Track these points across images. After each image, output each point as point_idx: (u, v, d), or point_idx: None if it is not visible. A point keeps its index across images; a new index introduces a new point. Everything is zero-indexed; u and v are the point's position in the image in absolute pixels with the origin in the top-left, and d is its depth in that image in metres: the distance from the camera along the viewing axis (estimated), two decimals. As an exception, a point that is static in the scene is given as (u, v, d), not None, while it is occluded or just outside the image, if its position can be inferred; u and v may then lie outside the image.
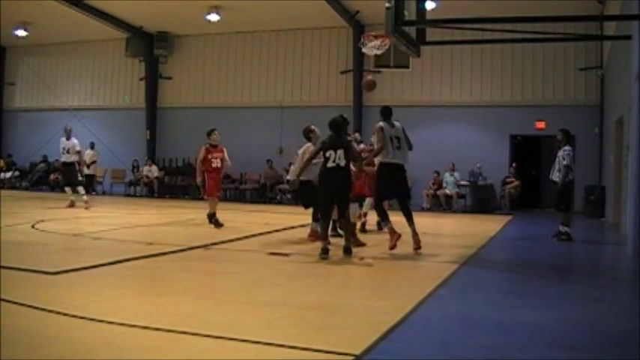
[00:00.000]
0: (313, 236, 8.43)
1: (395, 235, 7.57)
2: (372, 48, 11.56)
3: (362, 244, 8.06)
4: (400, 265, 7.17)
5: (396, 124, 7.91)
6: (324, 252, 6.92)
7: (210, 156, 9.88)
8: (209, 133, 10.07)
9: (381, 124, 7.73)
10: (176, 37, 21.07)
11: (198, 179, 10.07)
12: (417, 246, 7.67)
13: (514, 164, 17.34)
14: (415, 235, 7.73)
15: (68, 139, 13.33)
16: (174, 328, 3.80)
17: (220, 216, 10.04)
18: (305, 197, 8.66)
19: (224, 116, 18.69)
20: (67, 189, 13.68)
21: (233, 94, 20.55)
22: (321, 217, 7.45)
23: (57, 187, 20.96)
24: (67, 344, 3.52)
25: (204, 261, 7.08)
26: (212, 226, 9.82)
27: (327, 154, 7.07)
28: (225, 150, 10.17)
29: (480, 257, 7.75)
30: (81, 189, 13.34)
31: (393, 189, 7.95)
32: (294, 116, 18.87)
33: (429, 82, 18.53)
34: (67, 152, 13.26)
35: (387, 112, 7.92)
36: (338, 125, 7.29)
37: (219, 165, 9.96)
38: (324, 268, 6.48)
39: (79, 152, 13.45)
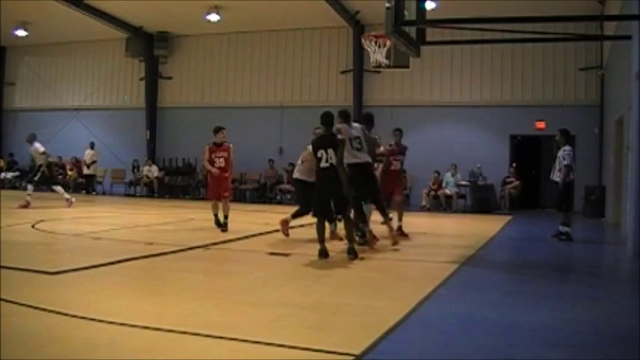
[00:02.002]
0: (285, 230, 8.58)
1: (374, 240, 7.88)
2: (378, 55, 11.67)
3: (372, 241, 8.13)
4: (400, 265, 7.17)
5: (355, 125, 8.07)
6: (323, 254, 6.90)
7: (213, 155, 9.71)
8: (215, 131, 9.80)
9: (339, 125, 7.80)
10: (176, 37, 21.06)
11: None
12: (394, 242, 7.90)
13: (514, 164, 17.33)
14: (391, 231, 7.93)
15: (31, 145, 13.49)
16: (175, 328, 3.80)
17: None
18: (302, 197, 8.76)
19: (224, 116, 18.65)
20: (57, 188, 13.75)
21: (233, 94, 20.54)
22: (316, 218, 7.23)
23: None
24: (68, 344, 3.52)
25: (205, 261, 7.08)
26: (220, 227, 9.64)
27: (319, 155, 6.99)
28: (231, 149, 9.91)
29: (480, 257, 7.74)
30: (30, 187, 13.31)
31: (364, 188, 8.00)
32: (294, 116, 18.89)
33: (428, 82, 18.53)
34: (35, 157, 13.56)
35: (345, 115, 8.08)
36: (329, 119, 7.21)
37: (222, 165, 9.73)
38: (324, 268, 6.47)
39: (44, 153, 13.55)
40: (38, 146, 13.54)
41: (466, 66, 18.15)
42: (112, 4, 17.90)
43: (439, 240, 9.56)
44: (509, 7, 13.35)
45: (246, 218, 11.99)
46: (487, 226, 11.82)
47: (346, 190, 7.06)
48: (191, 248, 7.56)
